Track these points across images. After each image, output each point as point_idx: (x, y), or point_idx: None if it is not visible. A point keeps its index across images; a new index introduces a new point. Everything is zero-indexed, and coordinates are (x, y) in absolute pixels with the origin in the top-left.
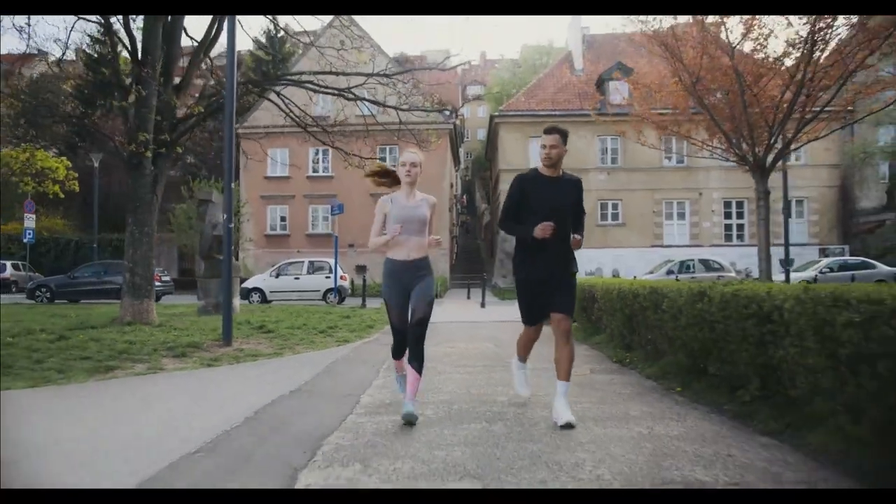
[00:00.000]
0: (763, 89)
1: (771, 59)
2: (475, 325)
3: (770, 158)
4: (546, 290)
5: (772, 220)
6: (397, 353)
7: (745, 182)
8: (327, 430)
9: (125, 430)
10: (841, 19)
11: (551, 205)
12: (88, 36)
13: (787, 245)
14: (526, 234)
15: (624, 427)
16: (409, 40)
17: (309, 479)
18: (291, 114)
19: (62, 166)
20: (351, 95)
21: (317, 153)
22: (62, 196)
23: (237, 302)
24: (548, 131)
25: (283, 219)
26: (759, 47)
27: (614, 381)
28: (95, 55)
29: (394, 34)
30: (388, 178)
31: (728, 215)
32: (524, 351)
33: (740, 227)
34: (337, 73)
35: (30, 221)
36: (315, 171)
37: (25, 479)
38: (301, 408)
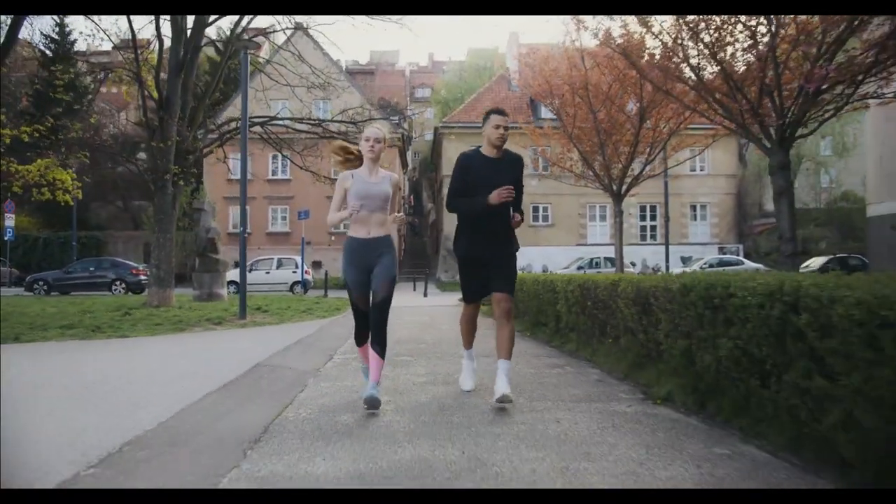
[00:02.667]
0: (621, 136)
1: (624, 118)
2: (418, 308)
3: (624, 187)
4: (486, 268)
5: (679, 222)
6: (359, 339)
7: (658, 188)
8: (320, 363)
9: (207, 356)
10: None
11: (494, 184)
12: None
13: (667, 245)
14: (476, 204)
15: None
16: (359, 40)
17: (308, 397)
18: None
19: (69, 177)
20: (319, 130)
21: (275, 158)
22: (72, 204)
23: (224, 291)
24: (500, 112)
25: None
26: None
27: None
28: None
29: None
30: (351, 156)
31: (643, 217)
32: (468, 336)
33: (653, 228)
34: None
35: (10, 220)
36: (274, 174)
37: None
38: (304, 350)
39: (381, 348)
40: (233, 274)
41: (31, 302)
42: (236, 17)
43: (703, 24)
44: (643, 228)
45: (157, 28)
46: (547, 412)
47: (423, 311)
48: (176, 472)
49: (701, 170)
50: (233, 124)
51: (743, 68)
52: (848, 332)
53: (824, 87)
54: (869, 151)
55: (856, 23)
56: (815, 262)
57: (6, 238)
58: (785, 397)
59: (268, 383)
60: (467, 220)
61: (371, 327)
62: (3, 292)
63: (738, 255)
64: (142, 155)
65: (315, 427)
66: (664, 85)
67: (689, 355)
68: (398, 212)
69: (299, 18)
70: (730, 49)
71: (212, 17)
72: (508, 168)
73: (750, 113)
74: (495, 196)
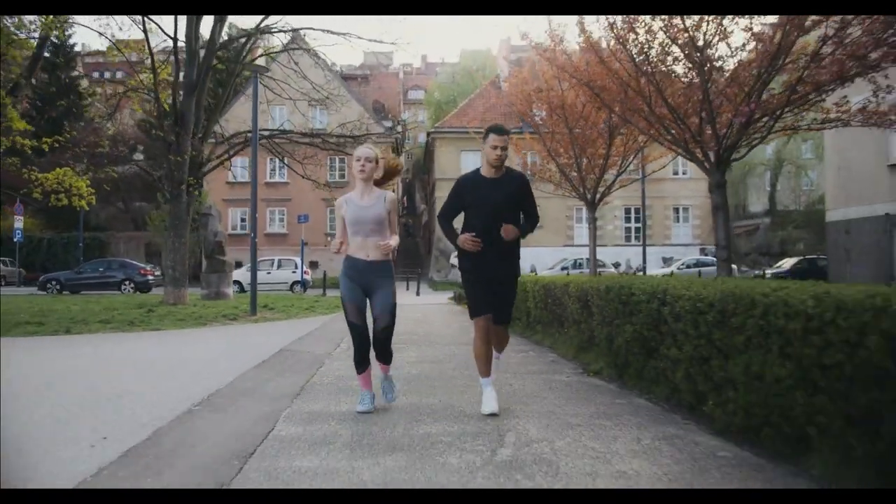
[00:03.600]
0: (595, 150)
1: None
2: (412, 306)
3: (598, 196)
4: (490, 287)
5: (662, 224)
6: (360, 361)
7: (638, 192)
8: (330, 349)
9: (226, 346)
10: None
11: (493, 204)
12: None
13: (644, 246)
14: (452, 238)
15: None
16: (353, 43)
17: (327, 370)
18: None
19: (83, 184)
20: (319, 142)
21: (273, 161)
22: (87, 209)
23: (231, 290)
24: (499, 131)
25: (243, 220)
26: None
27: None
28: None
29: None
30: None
31: (628, 220)
32: (485, 361)
33: (637, 230)
34: (314, 135)
35: (19, 222)
36: (272, 177)
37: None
38: (315, 339)
39: (386, 360)
40: (237, 274)
41: (52, 300)
42: (244, 40)
43: (648, 69)
44: (627, 230)
45: (175, 52)
46: (505, 381)
47: (416, 308)
48: (249, 411)
49: (683, 174)
50: (241, 138)
51: (686, 104)
52: (685, 318)
53: (752, 119)
54: (828, 163)
55: (779, 63)
56: (787, 263)
57: (15, 239)
58: (661, 365)
59: (293, 362)
60: (473, 232)
61: (375, 347)
62: (14, 291)
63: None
64: (139, 156)
65: (336, 387)
66: (624, 113)
67: (611, 339)
68: (396, 233)
69: (298, 21)
70: (672, 88)
71: (221, 40)
72: (506, 187)
73: (692, 139)
74: (461, 240)
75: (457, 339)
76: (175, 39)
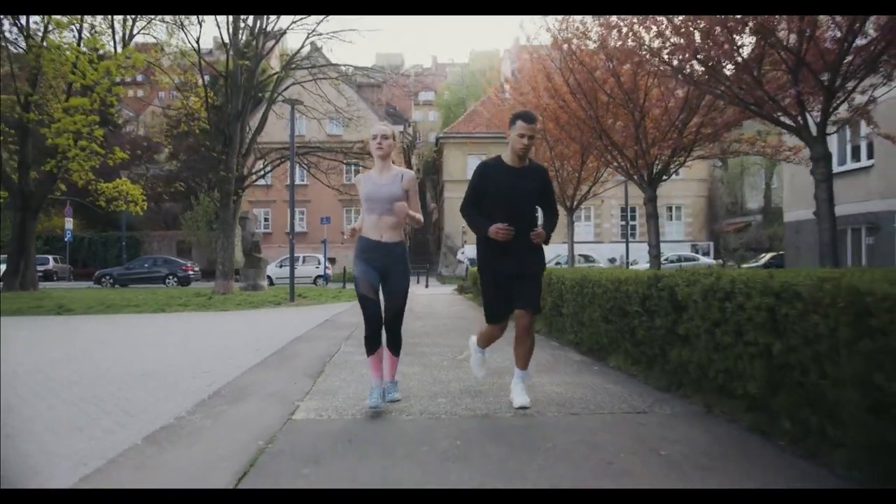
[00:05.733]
0: (571, 166)
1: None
2: (419, 297)
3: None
4: (512, 284)
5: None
6: (371, 338)
7: (636, 192)
8: (360, 320)
9: (285, 318)
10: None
11: (516, 195)
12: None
13: (627, 242)
14: (479, 228)
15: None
16: (363, 43)
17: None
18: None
19: (138, 191)
20: (341, 157)
21: (294, 165)
22: (141, 214)
23: (265, 283)
24: (528, 118)
25: (266, 219)
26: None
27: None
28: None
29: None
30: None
31: (623, 218)
32: (484, 343)
33: (633, 227)
34: (339, 150)
35: (69, 224)
36: (286, 173)
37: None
38: (347, 315)
39: (396, 349)
40: (268, 269)
41: (114, 292)
42: (280, 74)
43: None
44: (623, 228)
45: (227, 90)
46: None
47: (423, 298)
48: (320, 345)
49: (676, 174)
50: (276, 154)
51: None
52: (625, 298)
53: (674, 151)
54: (785, 169)
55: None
56: (764, 259)
57: (66, 239)
58: (610, 335)
59: (338, 325)
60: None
61: (386, 329)
62: (66, 285)
63: (708, 251)
64: (161, 157)
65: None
66: (583, 143)
67: (580, 320)
68: (419, 212)
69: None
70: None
71: (262, 77)
72: (531, 178)
73: (631, 165)
74: (493, 231)
75: (453, 315)
76: (227, 76)
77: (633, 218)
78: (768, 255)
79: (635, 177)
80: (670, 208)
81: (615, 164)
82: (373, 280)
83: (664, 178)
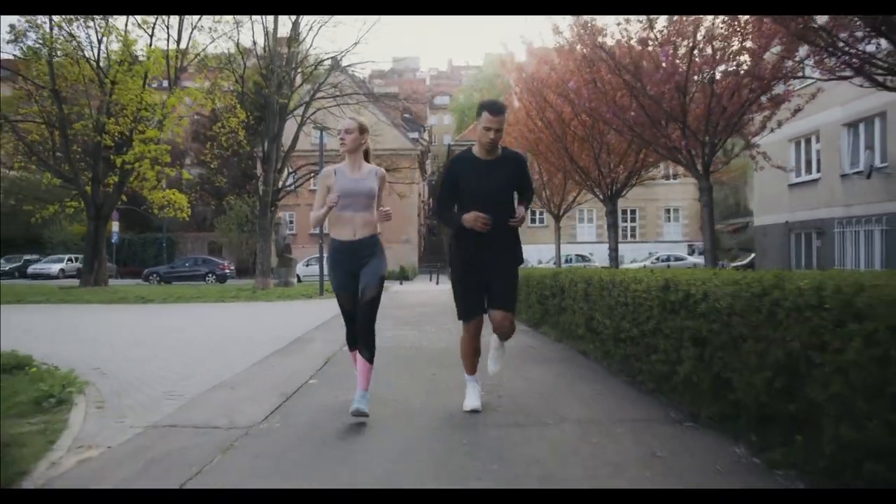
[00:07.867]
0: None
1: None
2: (428, 292)
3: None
4: (484, 282)
5: (655, 223)
6: (351, 341)
7: (635, 194)
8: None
9: (320, 308)
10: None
11: (488, 188)
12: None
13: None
14: (452, 222)
15: None
16: (381, 47)
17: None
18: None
19: (184, 199)
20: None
21: (314, 173)
22: (187, 220)
23: (295, 280)
24: (494, 109)
25: (291, 221)
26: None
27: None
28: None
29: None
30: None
31: (624, 219)
32: (470, 359)
33: (633, 229)
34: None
35: (116, 227)
36: (315, 184)
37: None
38: None
39: (369, 353)
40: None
41: (165, 289)
42: (308, 99)
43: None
44: (624, 229)
45: (266, 121)
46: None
47: (431, 293)
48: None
49: (674, 178)
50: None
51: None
52: (543, 287)
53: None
54: (755, 181)
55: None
56: (747, 259)
57: (113, 241)
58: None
59: None
60: (460, 228)
61: (358, 329)
62: (113, 283)
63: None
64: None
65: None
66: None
67: (561, 312)
68: (384, 206)
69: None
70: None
71: (292, 102)
72: (502, 169)
73: (595, 184)
74: (472, 218)
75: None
76: (266, 106)
77: (633, 220)
78: (752, 255)
79: (600, 194)
80: (668, 210)
81: (583, 183)
82: (352, 290)
83: (622, 194)
